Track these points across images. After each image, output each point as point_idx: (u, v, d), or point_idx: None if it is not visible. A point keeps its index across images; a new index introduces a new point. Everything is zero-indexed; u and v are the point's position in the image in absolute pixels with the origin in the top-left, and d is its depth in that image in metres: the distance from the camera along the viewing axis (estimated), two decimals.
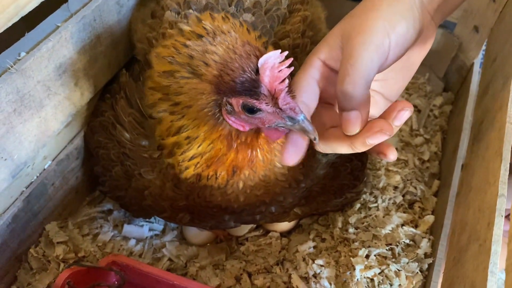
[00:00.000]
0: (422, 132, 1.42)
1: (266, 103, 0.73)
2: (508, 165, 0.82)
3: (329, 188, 1.13)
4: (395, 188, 1.25)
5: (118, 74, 1.17)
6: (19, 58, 0.93)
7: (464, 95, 1.38)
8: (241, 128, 0.81)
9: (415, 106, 1.50)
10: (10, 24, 0.88)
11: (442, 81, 1.55)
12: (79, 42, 1.04)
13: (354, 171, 1.13)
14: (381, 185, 1.24)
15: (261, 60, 0.71)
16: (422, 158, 1.35)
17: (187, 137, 0.85)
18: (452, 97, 1.51)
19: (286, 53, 0.72)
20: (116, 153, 1.07)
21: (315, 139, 0.74)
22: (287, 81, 0.72)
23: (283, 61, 0.72)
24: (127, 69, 1.15)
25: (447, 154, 1.33)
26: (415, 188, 1.26)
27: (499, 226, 0.74)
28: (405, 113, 0.72)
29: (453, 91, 1.52)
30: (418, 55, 0.86)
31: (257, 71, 0.72)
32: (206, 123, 0.81)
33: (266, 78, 0.71)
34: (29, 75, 0.94)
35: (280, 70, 0.71)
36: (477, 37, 1.39)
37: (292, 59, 0.73)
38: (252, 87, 0.72)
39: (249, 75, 0.72)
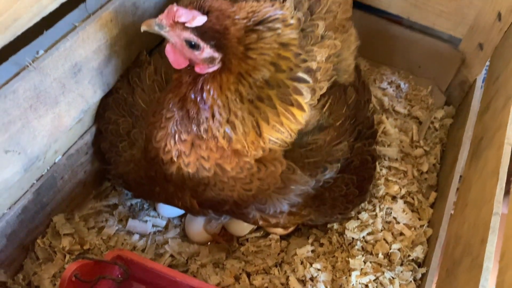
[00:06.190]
0: (422, 144, 1.45)
1: None
2: (504, 185, 0.86)
3: (322, 209, 1.15)
4: (393, 197, 1.28)
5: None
6: (37, 56, 0.96)
7: (465, 110, 1.41)
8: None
9: (416, 118, 1.54)
10: (32, 23, 0.91)
11: (445, 94, 1.59)
12: (95, 42, 1.07)
13: (349, 195, 1.15)
14: (380, 194, 1.28)
15: None
16: (421, 170, 1.39)
17: None
18: (453, 111, 1.55)
19: None
20: (126, 128, 1.12)
21: None
22: None
23: None
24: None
25: (445, 166, 1.37)
26: (413, 198, 1.29)
27: (492, 243, 0.78)
28: None
29: (454, 105, 1.56)
30: None
31: None
32: None
33: None
34: (46, 73, 0.97)
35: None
36: (481, 54, 1.42)
37: None
38: None
39: None
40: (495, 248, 0.78)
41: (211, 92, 0.90)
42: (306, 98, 0.98)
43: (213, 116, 0.91)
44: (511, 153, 0.90)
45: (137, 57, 1.22)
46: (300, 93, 0.95)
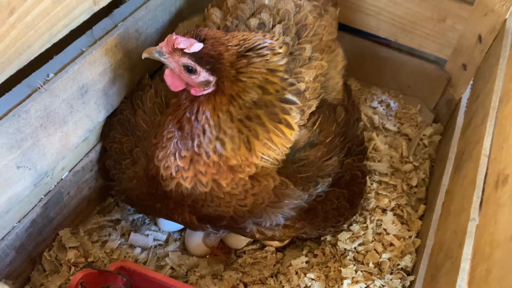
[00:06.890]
0: (412, 160, 1.52)
1: None
2: (480, 193, 0.92)
3: (315, 222, 1.21)
4: (384, 210, 1.34)
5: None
6: (48, 78, 1.04)
7: (452, 126, 1.49)
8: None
9: (406, 135, 1.61)
10: (43, 49, 0.99)
11: (433, 112, 1.66)
12: (101, 66, 1.15)
13: (340, 208, 1.22)
14: (370, 206, 1.34)
15: None
16: (410, 184, 1.45)
17: None
18: (441, 128, 1.62)
19: None
20: (129, 147, 1.19)
21: None
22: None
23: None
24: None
25: (433, 181, 1.43)
26: (402, 211, 1.35)
27: (469, 246, 0.84)
28: None
29: (442, 122, 1.63)
30: None
31: None
32: None
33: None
34: (56, 94, 1.04)
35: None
36: (465, 74, 1.50)
37: None
38: None
39: None
40: (471, 250, 0.84)
41: (206, 113, 0.98)
42: (295, 118, 1.05)
43: (204, 133, 0.99)
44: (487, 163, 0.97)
45: (140, 80, 1.30)
46: (287, 112, 1.02)
